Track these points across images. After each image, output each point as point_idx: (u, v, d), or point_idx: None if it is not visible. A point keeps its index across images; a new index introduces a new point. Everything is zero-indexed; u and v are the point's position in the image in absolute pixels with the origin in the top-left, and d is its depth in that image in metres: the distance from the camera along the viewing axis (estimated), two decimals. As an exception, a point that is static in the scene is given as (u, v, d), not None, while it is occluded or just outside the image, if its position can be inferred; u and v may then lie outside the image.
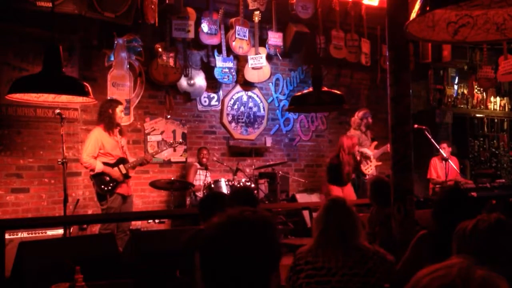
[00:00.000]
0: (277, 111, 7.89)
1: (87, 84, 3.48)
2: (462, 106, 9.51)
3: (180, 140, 6.55)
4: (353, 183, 7.06)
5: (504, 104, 10.08)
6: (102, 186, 5.28)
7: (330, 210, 2.55)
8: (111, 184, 5.30)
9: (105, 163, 5.31)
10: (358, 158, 6.72)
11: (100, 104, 5.53)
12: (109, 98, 6.01)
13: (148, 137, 6.79)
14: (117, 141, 5.45)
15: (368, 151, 6.84)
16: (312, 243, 2.55)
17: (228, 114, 7.43)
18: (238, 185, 6.18)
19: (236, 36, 6.95)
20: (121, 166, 5.38)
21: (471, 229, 1.79)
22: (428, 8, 1.83)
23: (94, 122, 6.27)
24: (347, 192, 6.68)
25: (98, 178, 5.29)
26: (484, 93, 9.77)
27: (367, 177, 6.75)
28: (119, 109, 5.42)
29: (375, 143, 7.04)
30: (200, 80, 6.96)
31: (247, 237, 1.32)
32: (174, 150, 6.71)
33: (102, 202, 5.34)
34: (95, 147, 5.27)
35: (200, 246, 1.36)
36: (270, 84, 7.79)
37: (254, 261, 1.31)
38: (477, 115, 9.78)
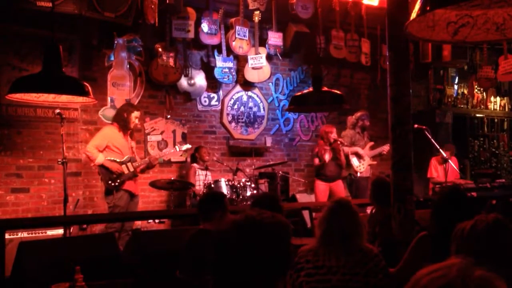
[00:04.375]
0: (277, 111, 7.89)
1: (87, 84, 3.48)
2: (462, 106, 9.51)
3: (188, 145, 6.39)
4: (345, 181, 7.05)
5: (504, 104, 10.08)
6: (110, 182, 5.39)
7: (335, 211, 2.56)
8: (118, 180, 5.40)
9: (113, 159, 5.46)
10: (339, 146, 6.65)
11: (120, 106, 5.91)
12: (128, 102, 6.26)
13: (148, 137, 6.79)
14: (127, 141, 5.65)
15: (360, 150, 6.84)
16: (314, 242, 2.56)
17: (228, 114, 7.42)
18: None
19: (236, 36, 6.94)
20: (129, 164, 5.54)
21: (470, 230, 1.79)
22: (428, 8, 1.83)
23: (94, 122, 6.33)
24: (336, 190, 6.66)
25: (106, 172, 5.40)
26: (484, 93, 9.76)
27: (359, 175, 6.78)
28: (134, 115, 5.62)
29: (371, 143, 7.03)
30: (200, 80, 6.95)
31: (262, 238, 1.34)
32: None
33: (108, 197, 5.44)
34: (102, 142, 5.48)
35: (215, 241, 1.37)
36: (270, 84, 7.79)
37: (264, 262, 1.32)
38: (477, 115, 9.78)
